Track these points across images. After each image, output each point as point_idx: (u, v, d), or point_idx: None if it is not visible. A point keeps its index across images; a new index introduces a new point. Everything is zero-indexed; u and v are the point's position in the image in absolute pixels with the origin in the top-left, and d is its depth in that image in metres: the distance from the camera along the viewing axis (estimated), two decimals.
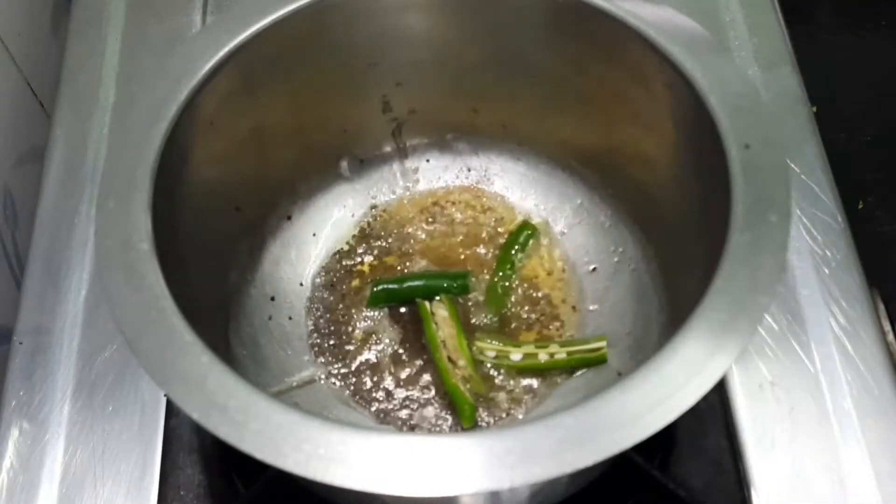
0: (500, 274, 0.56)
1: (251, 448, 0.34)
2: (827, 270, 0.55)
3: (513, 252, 0.56)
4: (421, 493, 0.33)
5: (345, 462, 0.33)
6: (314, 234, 0.58)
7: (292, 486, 0.44)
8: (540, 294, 0.56)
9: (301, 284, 0.56)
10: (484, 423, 0.51)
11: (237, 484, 0.50)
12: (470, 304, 0.55)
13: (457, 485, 0.33)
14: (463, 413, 0.50)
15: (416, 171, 0.60)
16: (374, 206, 0.59)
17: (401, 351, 0.54)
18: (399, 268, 0.57)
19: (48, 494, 0.49)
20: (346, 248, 0.58)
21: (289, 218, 0.57)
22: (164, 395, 0.52)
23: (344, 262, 0.58)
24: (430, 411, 0.52)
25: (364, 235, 0.59)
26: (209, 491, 0.50)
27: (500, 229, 0.58)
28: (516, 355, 0.52)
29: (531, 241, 0.57)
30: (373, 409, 0.52)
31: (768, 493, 0.48)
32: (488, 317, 0.55)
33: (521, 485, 0.33)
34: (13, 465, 0.50)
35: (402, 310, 0.55)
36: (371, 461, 0.33)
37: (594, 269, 0.56)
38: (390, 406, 0.52)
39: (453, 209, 0.59)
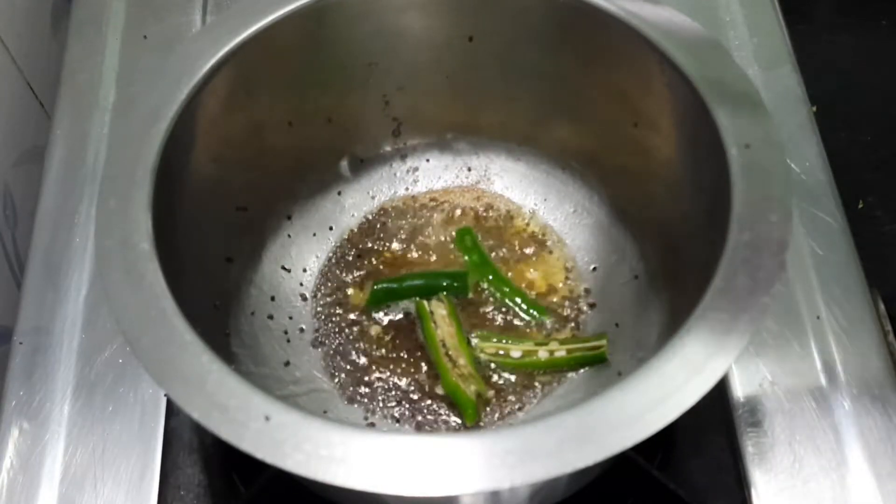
0: (491, 279, 0.56)
1: (251, 448, 0.34)
2: (827, 270, 0.55)
3: (475, 258, 0.56)
4: (421, 493, 0.33)
5: (345, 462, 0.33)
6: (314, 234, 0.58)
7: (292, 486, 0.44)
8: (539, 294, 0.56)
9: (301, 284, 0.56)
10: (483, 422, 0.51)
11: (237, 484, 0.50)
12: (471, 303, 0.56)
13: (457, 485, 0.33)
14: (465, 411, 0.50)
15: (416, 171, 0.60)
16: (373, 206, 0.59)
17: (401, 350, 0.54)
18: (399, 267, 0.57)
19: (48, 494, 0.49)
20: (345, 247, 0.58)
21: (289, 218, 0.57)
22: (164, 395, 0.52)
23: (344, 262, 0.58)
24: (430, 410, 0.52)
25: (364, 235, 0.59)
26: (209, 491, 0.50)
27: (500, 230, 0.58)
28: (516, 353, 0.52)
29: (477, 241, 0.57)
30: (373, 408, 0.52)
31: (768, 493, 0.48)
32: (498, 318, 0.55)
33: (521, 485, 0.33)
34: (13, 465, 0.50)
35: (402, 308, 0.55)
36: (371, 461, 0.33)
37: (594, 269, 0.56)
38: (391, 405, 0.52)
39: (453, 209, 0.59)
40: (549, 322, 0.54)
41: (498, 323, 0.55)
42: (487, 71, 0.54)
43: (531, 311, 0.55)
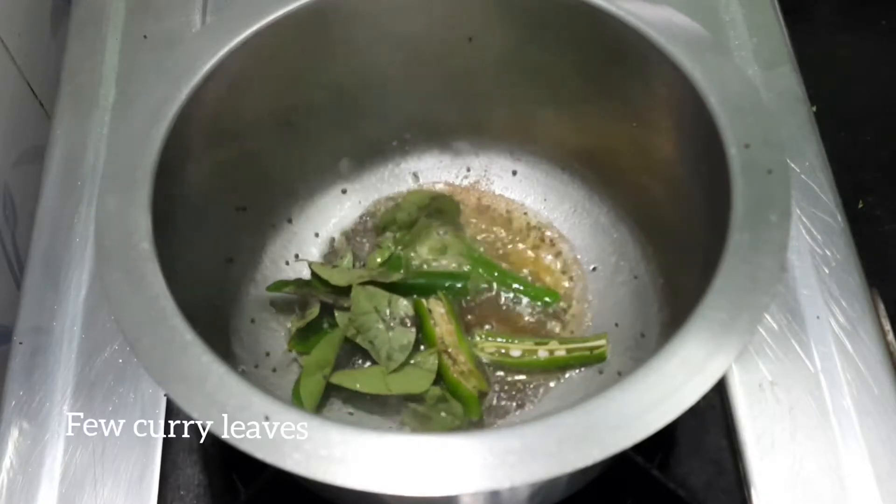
0: (496, 276, 0.56)
1: (251, 448, 0.34)
2: (827, 270, 0.55)
3: (475, 258, 0.56)
4: (421, 493, 0.33)
5: (345, 462, 0.33)
6: (316, 235, 0.58)
7: (292, 486, 0.44)
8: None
9: None
10: (483, 422, 0.51)
11: (237, 484, 0.50)
12: (472, 303, 0.56)
13: (457, 484, 0.33)
14: (469, 408, 0.50)
15: (416, 171, 0.60)
16: (374, 206, 0.59)
17: None
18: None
19: (48, 494, 0.49)
20: (342, 248, 0.58)
21: (289, 221, 0.57)
22: (164, 395, 0.52)
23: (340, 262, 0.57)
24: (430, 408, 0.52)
25: (364, 235, 0.58)
26: (209, 491, 0.50)
27: (499, 230, 0.58)
28: (516, 352, 0.53)
29: (469, 244, 0.57)
30: (373, 407, 0.52)
31: (768, 493, 0.48)
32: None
33: (521, 484, 0.33)
34: (13, 465, 0.50)
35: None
36: (371, 461, 0.33)
37: (594, 269, 0.56)
38: (391, 404, 0.52)
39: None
40: (551, 318, 0.54)
41: (498, 322, 0.55)
42: (487, 71, 0.54)
43: (542, 297, 0.55)
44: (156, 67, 0.46)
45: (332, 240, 0.58)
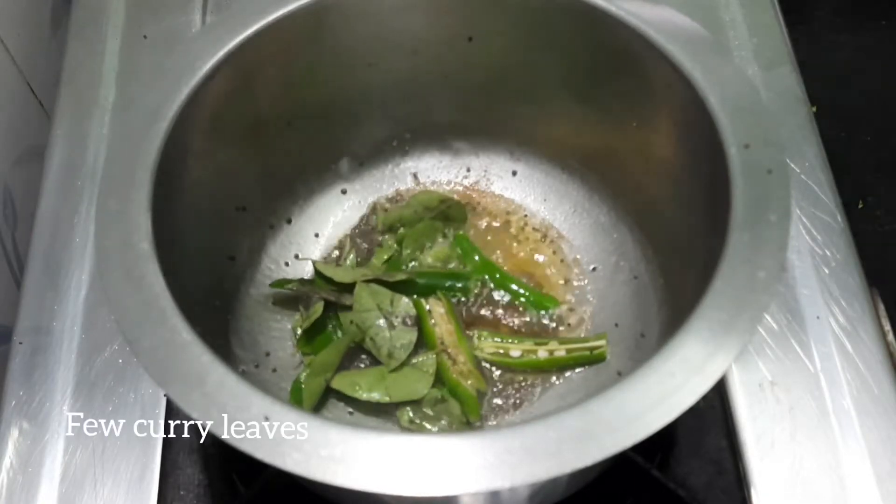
0: (497, 278, 0.56)
1: (251, 448, 0.34)
2: (827, 270, 0.55)
3: (477, 259, 0.57)
4: (421, 493, 0.33)
5: (345, 462, 0.33)
6: (316, 235, 0.58)
7: (292, 486, 0.44)
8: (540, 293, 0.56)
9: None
10: (483, 422, 0.51)
11: (237, 484, 0.50)
12: (472, 303, 0.56)
13: (457, 484, 0.33)
14: (469, 407, 0.50)
15: (415, 171, 0.60)
16: (373, 207, 0.59)
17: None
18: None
19: (48, 494, 0.49)
20: (345, 247, 0.58)
21: (289, 221, 0.57)
22: (164, 395, 0.52)
23: (343, 262, 0.57)
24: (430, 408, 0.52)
25: (364, 235, 0.58)
26: (209, 491, 0.50)
27: (499, 230, 0.58)
28: (516, 352, 0.52)
29: (473, 244, 0.57)
30: (372, 407, 0.52)
31: (768, 493, 0.48)
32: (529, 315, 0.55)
33: (521, 484, 0.33)
34: (13, 465, 0.50)
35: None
36: (371, 461, 0.33)
37: (594, 269, 0.56)
38: (391, 404, 0.52)
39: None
40: (551, 318, 0.54)
41: (498, 322, 0.55)
42: (487, 71, 0.54)
43: (542, 303, 0.55)
44: (156, 67, 0.46)
45: (333, 240, 0.58)
